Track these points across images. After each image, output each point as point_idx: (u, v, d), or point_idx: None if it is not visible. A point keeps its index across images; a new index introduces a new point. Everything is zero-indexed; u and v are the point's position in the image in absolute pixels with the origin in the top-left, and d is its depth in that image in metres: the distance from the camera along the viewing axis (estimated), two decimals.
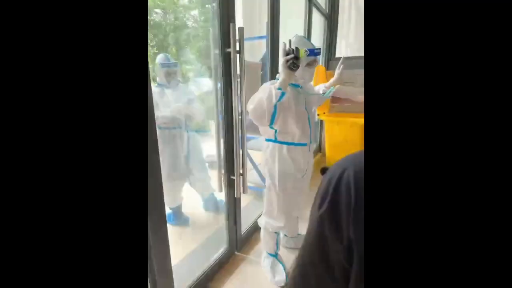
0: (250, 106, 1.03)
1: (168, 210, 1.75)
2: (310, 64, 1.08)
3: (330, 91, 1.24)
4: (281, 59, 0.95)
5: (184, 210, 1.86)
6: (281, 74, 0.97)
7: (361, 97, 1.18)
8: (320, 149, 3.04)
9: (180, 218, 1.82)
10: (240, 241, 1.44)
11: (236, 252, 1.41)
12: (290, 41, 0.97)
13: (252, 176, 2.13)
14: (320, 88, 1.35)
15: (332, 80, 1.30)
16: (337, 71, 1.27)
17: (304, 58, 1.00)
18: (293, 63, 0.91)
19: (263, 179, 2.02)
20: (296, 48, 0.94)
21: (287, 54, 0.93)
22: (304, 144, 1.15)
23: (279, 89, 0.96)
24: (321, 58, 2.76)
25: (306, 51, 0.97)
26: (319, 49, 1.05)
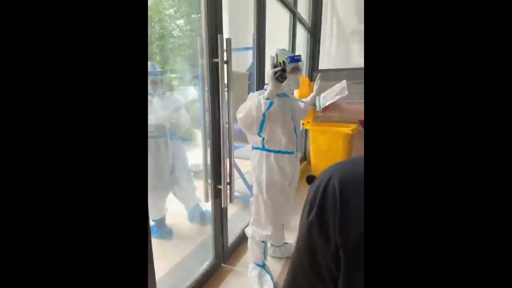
0: (239, 115, 1.07)
1: (151, 223, 1.68)
2: (293, 71, 1.13)
3: (319, 102, 1.28)
4: (270, 71, 1.02)
5: (167, 222, 1.79)
6: (269, 85, 1.03)
7: (344, 89, 1.20)
8: (305, 157, 3.10)
9: (163, 230, 1.75)
10: (227, 253, 1.40)
11: (222, 264, 1.38)
12: (277, 55, 1.04)
13: (238, 185, 2.12)
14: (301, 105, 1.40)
15: (312, 94, 1.37)
16: (315, 87, 1.34)
17: (287, 66, 1.07)
18: (281, 75, 1.00)
19: (249, 188, 2.01)
20: (283, 61, 1.02)
21: (275, 66, 1.01)
22: (291, 152, 1.17)
23: (268, 99, 1.02)
24: (304, 70, 2.86)
25: (287, 59, 1.06)
26: (299, 55, 1.14)
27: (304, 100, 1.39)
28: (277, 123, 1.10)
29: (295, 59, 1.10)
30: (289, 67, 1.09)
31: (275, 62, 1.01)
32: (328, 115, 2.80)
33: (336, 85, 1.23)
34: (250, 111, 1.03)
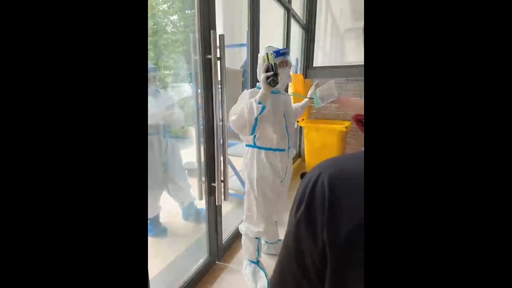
0: (232, 117, 1.06)
1: None
2: (281, 65, 1.11)
3: (316, 98, 1.27)
4: (261, 75, 0.99)
5: (162, 220, 1.78)
6: (261, 89, 1.01)
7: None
8: (299, 154, 3.11)
9: (157, 228, 1.74)
10: (221, 250, 1.40)
11: (217, 262, 1.38)
12: (267, 55, 1.01)
13: (232, 183, 2.12)
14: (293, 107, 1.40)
15: (305, 99, 1.38)
16: (310, 92, 1.35)
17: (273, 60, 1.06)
18: (273, 80, 0.97)
19: (244, 185, 2.00)
20: (275, 64, 0.99)
21: (266, 70, 0.98)
22: (282, 150, 1.17)
23: (260, 103, 1.00)
24: (299, 67, 2.85)
25: (272, 53, 1.03)
26: (285, 49, 1.12)
27: (295, 104, 1.39)
28: (269, 121, 1.10)
29: (281, 53, 1.09)
30: (276, 61, 1.07)
31: (267, 65, 0.98)
32: (322, 112, 2.82)
33: (329, 85, 1.25)
34: (242, 114, 1.02)
